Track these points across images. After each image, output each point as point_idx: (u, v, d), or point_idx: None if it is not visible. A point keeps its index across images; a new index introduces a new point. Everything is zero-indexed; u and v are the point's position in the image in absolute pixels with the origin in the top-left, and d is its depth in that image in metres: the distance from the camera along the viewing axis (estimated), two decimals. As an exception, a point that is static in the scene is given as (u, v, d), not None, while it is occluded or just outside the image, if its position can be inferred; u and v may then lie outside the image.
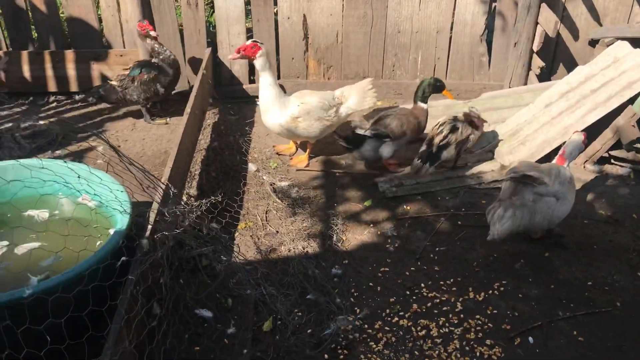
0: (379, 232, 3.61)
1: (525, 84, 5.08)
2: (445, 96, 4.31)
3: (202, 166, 4.17)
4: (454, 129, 4.02)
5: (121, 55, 5.24)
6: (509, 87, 5.11)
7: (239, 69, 5.38)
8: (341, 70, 5.40)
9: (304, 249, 3.39)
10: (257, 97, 4.46)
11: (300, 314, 2.89)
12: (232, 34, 5.23)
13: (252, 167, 4.24)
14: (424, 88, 4.17)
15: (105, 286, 2.34)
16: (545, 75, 5.11)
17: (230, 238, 3.43)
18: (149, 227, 2.70)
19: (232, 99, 5.38)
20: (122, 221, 2.69)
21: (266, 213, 3.76)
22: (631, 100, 4.11)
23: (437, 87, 4.19)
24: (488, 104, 4.80)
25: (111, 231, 2.71)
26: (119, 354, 2.12)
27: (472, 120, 4.08)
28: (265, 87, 4.08)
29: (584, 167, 4.26)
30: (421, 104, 4.21)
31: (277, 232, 3.57)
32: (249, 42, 4.04)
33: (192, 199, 3.68)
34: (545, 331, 2.87)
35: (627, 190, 4.04)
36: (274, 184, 4.05)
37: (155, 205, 2.86)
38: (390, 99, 5.40)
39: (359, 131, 4.09)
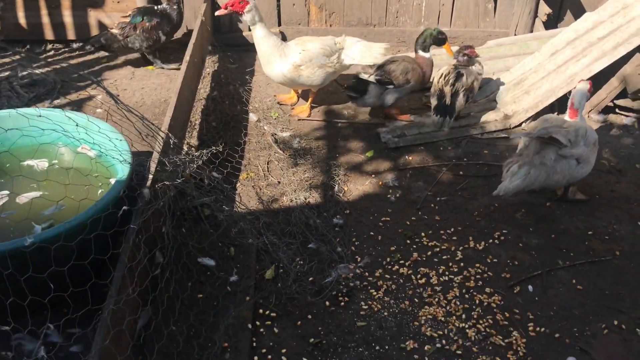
0: (380, 183, 3.60)
1: (532, 31, 4.96)
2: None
3: (202, 116, 4.13)
4: (459, 76, 3.95)
5: (118, 2, 5.11)
6: (515, 35, 5.00)
7: (238, 15, 5.25)
8: (344, 16, 5.27)
9: (305, 199, 3.40)
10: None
11: (302, 262, 2.92)
12: (231, -21, 5.07)
13: (253, 117, 4.20)
14: (425, 37, 4.09)
15: (108, 235, 2.35)
16: (552, 23, 4.99)
17: (232, 188, 3.44)
18: (150, 176, 2.69)
19: (231, 46, 5.28)
20: (122, 170, 2.68)
21: (268, 163, 3.75)
22: (639, 48, 4.02)
23: (438, 39, 4.10)
24: (493, 52, 4.71)
25: (112, 180, 2.70)
26: (122, 301, 2.15)
27: (466, 54, 4.00)
28: (261, 39, 3.98)
29: (588, 116, 4.21)
30: (422, 53, 4.13)
31: (279, 182, 3.57)
32: None
33: (192, 149, 3.66)
34: (544, 280, 2.90)
35: (630, 140, 4.01)
36: (276, 134, 4.02)
37: (155, 155, 2.84)
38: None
39: (363, 76, 4.03)
